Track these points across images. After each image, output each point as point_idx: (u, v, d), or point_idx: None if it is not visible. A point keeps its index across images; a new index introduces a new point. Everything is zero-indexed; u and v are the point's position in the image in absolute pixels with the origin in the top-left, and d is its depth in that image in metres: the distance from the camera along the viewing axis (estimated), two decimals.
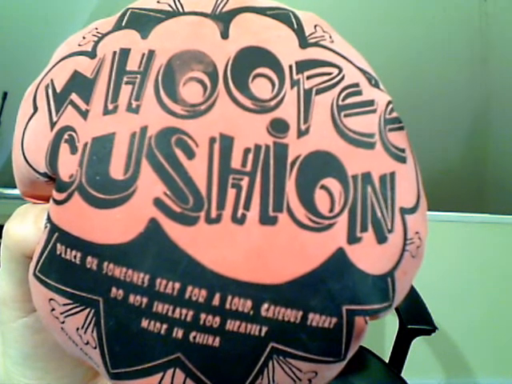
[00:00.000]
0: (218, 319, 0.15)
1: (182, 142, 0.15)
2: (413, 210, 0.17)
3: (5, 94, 2.80)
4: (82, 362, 0.18)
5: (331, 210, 0.15)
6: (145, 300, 0.15)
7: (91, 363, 0.17)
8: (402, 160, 0.18)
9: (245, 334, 0.15)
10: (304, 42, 0.17)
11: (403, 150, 0.18)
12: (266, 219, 0.15)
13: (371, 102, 0.18)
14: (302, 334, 0.16)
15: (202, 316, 0.15)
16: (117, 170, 0.15)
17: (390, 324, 1.21)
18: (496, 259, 2.12)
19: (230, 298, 0.15)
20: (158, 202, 0.14)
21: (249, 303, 0.15)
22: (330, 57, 0.18)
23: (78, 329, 0.16)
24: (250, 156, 0.15)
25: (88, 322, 0.15)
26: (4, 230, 0.21)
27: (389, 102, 0.19)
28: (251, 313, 0.15)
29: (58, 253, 0.16)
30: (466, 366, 2.10)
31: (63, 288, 0.16)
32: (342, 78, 0.18)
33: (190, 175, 0.15)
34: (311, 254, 0.15)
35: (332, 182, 0.15)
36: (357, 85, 0.18)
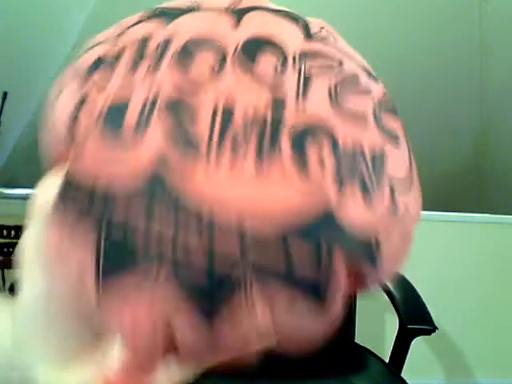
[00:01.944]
0: (195, 241, 0.17)
1: (188, 105, 0.17)
2: (402, 184, 0.19)
3: (5, 94, 2.80)
4: (84, 325, 0.21)
5: (321, 168, 0.17)
6: (140, 222, 0.17)
7: (82, 284, 0.19)
8: (395, 139, 0.20)
9: (218, 256, 0.17)
10: (309, 37, 0.19)
11: (395, 131, 0.20)
12: (259, 169, 0.16)
13: (368, 90, 0.20)
14: (283, 272, 0.17)
15: (181, 236, 0.17)
16: (128, 124, 0.17)
17: (390, 324, 1.21)
18: (496, 259, 2.12)
19: (211, 224, 0.16)
20: (160, 151, 0.17)
21: (234, 240, 0.16)
22: (331, 52, 0.19)
23: (81, 245, 0.18)
24: (249, 117, 0.16)
25: (90, 233, 0.18)
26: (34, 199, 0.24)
27: (385, 93, 0.21)
28: (236, 257, 0.16)
29: (72, 183, 0.19)
30: (465, 366, 2.10)
31: (72, 211, 0.19)
32: (342, 69, 0.19)
33: (192, 130, 0.17)
34: (299, 206, 0.16)
35: (324, 144, 0.17)
36: (355, 76, 0.20)
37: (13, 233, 1.75)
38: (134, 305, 0.18)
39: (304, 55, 0.18)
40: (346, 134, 0.17)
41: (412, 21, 3.16)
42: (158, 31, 0.19)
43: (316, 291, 0.18)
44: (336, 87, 0.18)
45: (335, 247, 0.17)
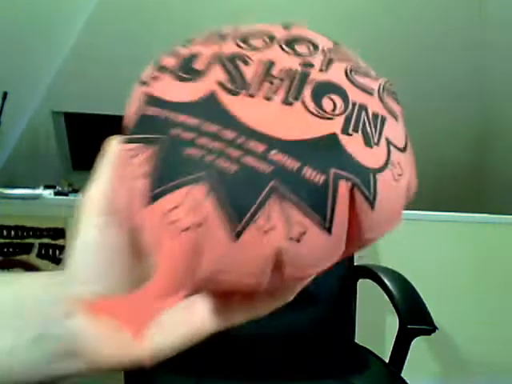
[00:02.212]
0: (238, 153, 0.21)
1: (242, 58, 0.24)
2: (399, 149, 0.24)
3: (5, 94, 2.80)
4: (131, 270, 0.25)
5: (333, 111, 0.23)
6: (192, 135, 0.22)
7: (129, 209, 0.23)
8: (394, 115, 0.25)
9: (254, 167, 0.21)
10: (337, 44, 0.27)
11: (396, 111, 0.25)
12: (286, 102, 0.23)
13: (376, 78, 0.26)
14: (297, 182, 0.21)
15: (228, 150, 0.21)
16: (198, 65, 0.24)
17: (390, 324, 1.21)
18: (496, 259, 2.12)
19: (250, 141, 0.21)
20: (218, 83, 0.23)
21: (262, 147, 0.21)
22: (352, 53, 0.27)
23: (139, 165, 0.22)
24: (284, 71, 0.23)
25: (148, 156, 0.22)
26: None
27: (391, 83, 0.27)
28: (263, 154, 0.21)
29: (144, 113, 0.24)
30: (465, 366, 2.10)
31: (136, 137, 0.23)
32: (358, 62, 0.26)
33: (243, 72, 0.23)
34: (313, 128, 0.22)
35: (336, 98, 0.23)
36: (367, 67, 0.27)
37: (13, 233, 1.75)
38: (172, 223, 0.21)
39: (330, 50, 0.26)
40: (355, 95, 0.24)
41: (412, 21, 3.16)
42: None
43: (323, 216, 0.21)
44: (351, 70, 0.25)
45: (342, 173, 0.21)
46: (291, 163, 0.21)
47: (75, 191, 4.01)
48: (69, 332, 0.25)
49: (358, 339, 1.42)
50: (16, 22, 2.72)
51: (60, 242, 1.84)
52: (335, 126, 0.22)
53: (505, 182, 3.69)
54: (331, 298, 1.42)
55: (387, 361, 1.22)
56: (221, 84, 0.23)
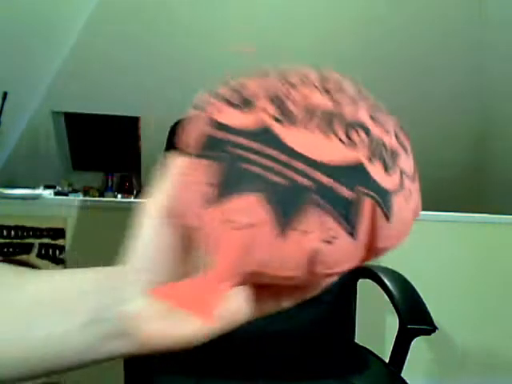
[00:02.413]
0: (286, 170, 0.26)
1: (286, 95, 0.29)
2: (409, 177, 0.29)
3: (5, 94, 2.80)
4: (184, 262, 0.30)
5: (360, 143, 0.27)
6: (250, 154, 0.27)
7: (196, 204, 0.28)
8: (406, 149, 0.30)
9: (299, 182, 0.26)
10: (360, 90, 0.32)
11: (406, 144, 0.30)
12: (324, 133, 0.28)
13: (390, 117, 0.31)
14: (332, 197, 0.26)
15: (279, 167, 0.26)
16: (252, 98, 0.29)
17: (390, 324, 1.21)
18: (496, 259, 2.12)
19: (297, 162, 0.27)
20: (270, 114, 0.28)
21: (306, 167, 0.26)
22: (369, 95, 0.32)
23: (207, 181, 0.27)
24: (320, 107, 0.28)
25: (213, 169, 0.27)
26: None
27: (399, 122, 0.31)
28: (306, 173, 0.26)
29: (209, 135, 0.28)
30: (465, 366, 2.10)
31: (203, 153, 0.28)
32: (375, 103, 0.31)
33: (288, 106, 0.28)
34: (345, 155, 0.27)
35: (362, 133, 0.28)
36: (382, 108, 0.31)
37: (13, 233, 1.75)
38: (231, 223, 0.26)
39: (355, 91, 0.30)
40: (376, 131, 0.28)
41: (412, 21, 3.17)
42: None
43: (351, 225, 0.26)
44: (372, 110, 0.29)
45: (367, 193, 0.27)
46: (328, 181, 0.26)
47: (75, 191, 4.02)
48: (124, 315, 0.29)
49: (358, 339, 1.42)
50: (16, 22, 2.73)
51: (60, 241, 1.84)
52: (362, 154, 0.27)
53: (505, 182, 3.69)
54: (331, 297, 1.42)
55: (387, 361, 1.22)
56: (272, 116, 0.28)
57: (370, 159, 0.27)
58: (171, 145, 1.49)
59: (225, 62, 3.27)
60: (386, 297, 1.25)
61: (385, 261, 1.90)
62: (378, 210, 0.27)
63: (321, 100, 0.28)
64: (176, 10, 3.00)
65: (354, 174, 0.27)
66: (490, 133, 3.74)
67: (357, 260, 0.28)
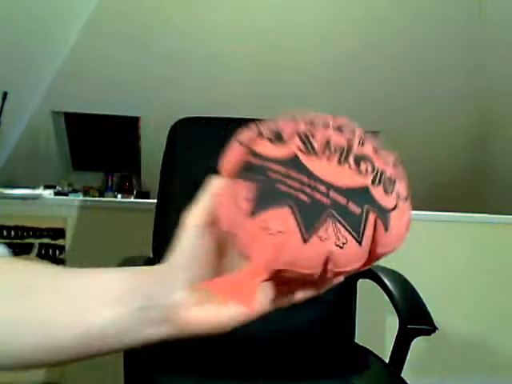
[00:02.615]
0: (310, 190, 0.34)
1: (311, 133, 0.36)
2: (403, 199, 0.37)
3: (5, 94, 2.80)
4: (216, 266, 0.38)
5: (366, 171, 0.35)
6: (282, 178, 0.34)
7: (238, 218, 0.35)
8: (401, 177, 0.38)
9: (319, 200, 0.34)
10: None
11: (401, 173, 0.38)
12: (339, 163, 0.35)
13: (387, 150, 0.39)
14: (344, 211, 0.34)
15: (304, 188, 0.34)
16: (285, 135, 0.36)
17: (391, 324, 1.21)
18: (496, 259, 2.12)
19: (318, 184, 0.34)
20: (298, 148, 0.35)
21: (325, 188, 0.34)
22: (372, 136, 0.39)
23: (246, 197, 0.34)
24: (337, 144, 0.36)
25: (252, 187, 0.34)
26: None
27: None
28: (325, 193, 0.34)
29: (249, 161, 0.35)
30: (465, 366, 2.10)
31: (244, 176, 0.35)
32: (377, 142, 0.38)
33: (312, 142, 0.36)
34: (355, 180, 0.35)
35: (368, 164, 0.36)
36: (381, 146, 0.39)
37: (13, 233, 1.75)
38: (265, 230, 0.34)
39: (362, 133, 0.38)
40: (379, 163, 0.36)
41: (413, 22, 3.17)
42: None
43: (358, 233, 0.34)
44: (376, 147, 0.37)
45: (371, 210, 0.34)
46: (342, 199, 0.34)
47: (75, 191, 4.02)
48: (167, 304, 0.37)
49: (358, 339, 1.42)
50: (16, 22, 2.73)
51: (60, 241, 1.84)
52: (368, 180, 0.35)
53: (504, 182, 3.69)
54: (331, 297, 1.42)
55: (387, 361, 1.22)
56: (300, 149, 0.35)
57: (373, 184, 0.35)
58: (171, 145, 1.49)
59: (224, 62, 3.28)
60: (386, 297, 1.25)
61: (385, 261, 1.90)
62: (379, 223, 0.35)
63: (336, 138, 0.36)
64: (175, 12, 3.00)
65: (362, 195, 0.35)
66: (490, 133, 3.74)
67: (362, 262, 0.36)
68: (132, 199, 3.83)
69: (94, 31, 2.99)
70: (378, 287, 1.30)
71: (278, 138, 0.36)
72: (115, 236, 1.87)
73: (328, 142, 0.36)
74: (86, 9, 2.89)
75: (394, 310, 1.20)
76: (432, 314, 1.15)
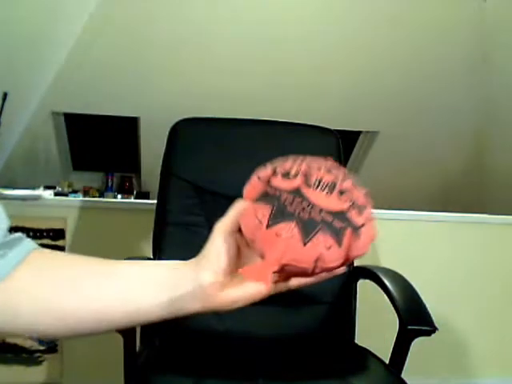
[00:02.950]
0: (308, 211, 0.49)
1: (310, 173, 0.51)
2: (369, 219, 0.49)
3: (5, 95, 2.80)
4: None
5: (345, 201, 0.49)
6: (290, 201, 0.49)
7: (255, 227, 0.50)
8: (369, 206, 0.50)
9: (314, 217, 0.48)
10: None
11: (369, 203, 0.50)
12: (327, 194, 0.50)
13: (361, 186, 0.52)
14: (331, 226, 0.48)
15: (304, 209, 0.48)
16: (292, 173, 0.51)
17: (391, 325, 1.21)
18: (496, 259, 2.12)
19: (314, 207, 0.48)
20: (302, 181, 0.50)
21: (318, 210, 0.48)
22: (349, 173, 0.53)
23: (264, 214, 0.49)
24: (326, 182, 0.50)
25: (268, 208, 0.49)
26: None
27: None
28: (319, 213, 0.48)
29: (266, 191, 0.51)
30: (466, 367, 2.10)
31: (262, 200, 0.50)
32: (356, 180, 0.52)
33: (311, 179, 0.50)
34: (338, 205, 0.49)
35: (347, 197, 0.50)
36: (359, 184, 0.52)
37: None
38: (278, 236, 0.48)
39: (343, 174, 0.51)
40: (354, 193, 0.50)
41: (413, 27, 3.17)
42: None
43: (339, 240, 0.48)
44: (354, 183, 0.51)
45: (348, 226, 0.48)
46: (329, 218, 0.48)
47: (75, 192, 4.02)
48: (200, 284, 0.50)
49: (358, 340, 1.42)
50: (16, 23, 2.73)
51: (60, 242, 1.84)
52: (346, 206, 0.49)
53: (504, 183, 3.69)
54: (331, 298, 1.42)
55: (387, 361, 1.22)
56: (302, 184, 0.49)
57: (350, 209, 0.49)
58: (171, 145, 1.49)
59: (224, 62, 3.28)
60: (386, 297, 1.25)
61: (385, 261, 1.90)
62: (353, 235, 0.48)
63: (327, 177, 0.50)
64: (174, 15, 3.00)
65: (342, 216, 0.49)
66: (490, 133, 3.74)
67: (341, 261, 0.49)
68: (132, 199, 3.83)
69: (93, 32, 2.99)
70: (378, 288, 1.30)
71: (286, 175, 0.51)
72: (115, 236, 1.87)
73: (321, 180, 0.50)
74: (86, 9, 2.89)
75: (394, 311, 1.20)
76: (432, 315, 1.15)
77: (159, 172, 1.48)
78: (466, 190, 4.05)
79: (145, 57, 3.19)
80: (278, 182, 0.51)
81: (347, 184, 0.51)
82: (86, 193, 4.09)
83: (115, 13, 2.93)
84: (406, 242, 2.03)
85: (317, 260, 0.48)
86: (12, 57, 2.87)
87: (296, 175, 0.50)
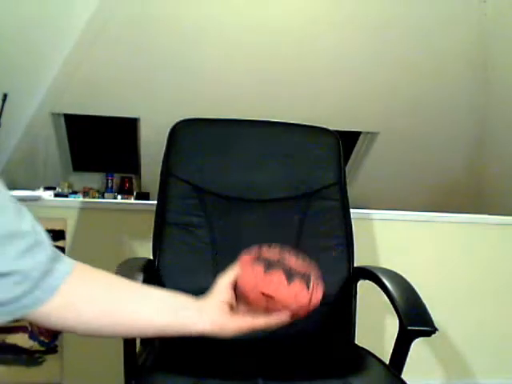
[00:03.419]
0: (289, 270, 0.71)
1: (286, 257, 0.76)
2: (318, 289, 0.73)
3: (5, 96, 2.81)
4: None
5: (304, 275, 0.73)
6: (277, 265, 0.72)
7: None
8: (320, 280, 0.75)
9: (293, 271, 0.71)
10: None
11: (320, 278, 0.75)
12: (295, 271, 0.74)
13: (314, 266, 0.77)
14: (303, 277, 0.71)
15: (286, 269, 0.71)
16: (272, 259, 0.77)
17: (391, 325, 1.21)
18: (496, 259, 2.12)
19: (292, 268, 0.72)
20: (279, 260, 0.75)
21: (294, 270, 0.72)
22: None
23: (261, 267, 0.72)
24: (299, 271, 0.73)
25: (263, 264, 0.72)
26: None
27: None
28: (295, 270, 0.71)
29: (257, 257, 0.76)
30: (466, 368, 2.10)
31: (262, 261, 0.73)
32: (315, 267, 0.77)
33: (286, 261, 0.75)
34: (304, 268, 0.74)
35: (307, 274, 0.74)
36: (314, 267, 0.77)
37: None
38: (271, 280, 0.69)
39: (307, 268, 0.74)
40: (312, 273, 0.74)
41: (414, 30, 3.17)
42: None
43: (308, 286, 0.70)
44: (312, 266, 0.75)
45: (310, 280, 0.72)
46: (300, 273, 0.70)
47: (75, 192, 4.02)
48: (204, 315, 0.69)
49: (358, 340, 1.42)
50: (16, 23, 2.73)
51: (60, 243, 1.84)
52: (309, 270, 0.72)
53: (504, 183, 3.69)
54: (331, 299, 1.42)
55: (387, 362, 1.22)
56: (280, 261, 0.72)
57: (310, 272, 0.71)
58: (171, 146, 1.49)
59: (224, 63, 3.28)
60: (386, 298, 1.25)
61: (385, 262, 1.90)
62: (315, 286, 0.70)
63: (294, 262, 0.72)
64: (174, 17, 3.00)
65: (307, 275, 0.71)
66: (490, 133, 3.74)
67: (307, 301, 0.69)
68: (132, 200, 3.83)
69: (93, 33, 2.99)
70: (378, 288, 1.30)
71: (268, 262, 0.71)
72: (115, 237, 1.87)
73: (290, 263, 0.72)
74: (86, 11, 2.89)
75: (394, 311, 1.20)
76: (432, 315, 1.15)
77: (159, 172, 1.48)
78: (466, 190, 4.05)
79: (145, 57, 3.20)
80: (268, 255, 0.73)
81: (311, 268, 0.74)
82: (85, 194, 4.09)
83: (115, 14, 2.93)
84: (405, 242, 2.03)
85: (295, 296, 0.68)
86: (12, 58, 2.87)
87: (276, 258, 0.73)
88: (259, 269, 0.69)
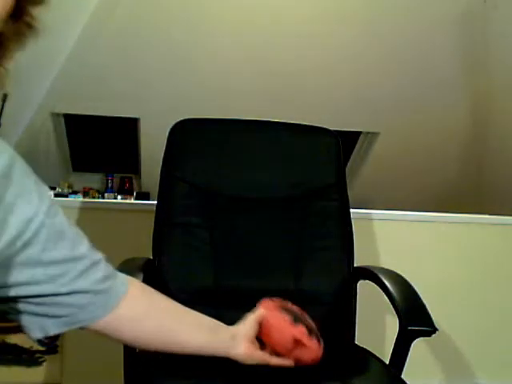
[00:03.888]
0: (303, 320, 0.92)
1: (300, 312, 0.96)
2: (318, 340, 0.92)
3: (5, 96, 2.80)
4: None
5: (312, 328, 0.93)
6: (298, 316, 0.92)
7: None
8: (319, 335, 0.95)
9: (305, 322, 0.90)
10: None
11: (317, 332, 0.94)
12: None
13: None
14: (307, 326, 0.90)
15: (301, 319, 0.91)
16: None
17: (391, 325, 1.21)
18: (496, 260, 2.12)
19: (304, 319, 0.92)
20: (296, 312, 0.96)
21: (305, 320, 0.91)
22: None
23: (285, 315, 0.92)
24: (310, 326, 0.92)
25: (289, 315, 0.92)
26: None
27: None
28: (307, 320, 0.91)
29: (281, 306, 0.95)
30: (466, 368, 2.10)
31: (285, 310, 0.94)
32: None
33: (302, 316, 0.94)
34: (311, 324, 0.93)
35: (312, 328, 0.93)
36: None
37: None
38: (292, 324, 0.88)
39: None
40: (313, 326, 0.92)
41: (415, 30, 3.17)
42: None
43: (310, 334, 0.89)
44: (311, 322, 0.92)
45: (314, 332, 0.91)
46: (309, 326, 0.89)
47: (75, 192, 4.02)
48: (233, 339, 0.82)
49: (358, 340, 1.42)
50: None
51: None
52: (315, 326, 0.90)
53: (504, 183, 3.69)
54: (331, 299, 1.42)
55: (387, 362, 1.22)
56: (302, 316, 0.91)
57: (314, 329, 0.88)
58: (171, 146, 1.49)
59: (224, 64, 3.28)
60: (386, 298, 1.25)
61: (385, 262, 1.90)
62: (317, 338, 0.89)
63: (310, 320, 0.88)
64: (174, 18, 3.00)
65: (313, 329, 0.88)
66: (490, 133, 3.74)
67: (316, 350, 0.89)
68: (132, 200, 3.83)
69: (93, 33, 2.99)
70: (378, 288, 1.30)
71: (293, 315, 0.87)
72: (115, 237, 1.87)
73: (303, 318, 0.87)
74: (86, 10, 2.89)
75: (394, 311, 1.20)
76: (432, 315, 1.15)
77: (159, 172, 1.48)
78: (466, 190, 4.05)
79: (145, 58, 3.19)
80: (291, 308, 0.88)
81: (312, 323, 0.89)
82: (85, 194, 4.09)
83: (115, 14, 2.93)
84: (405, 242, 2.03)
85: (297, 342, 0.84)
86: (12, 58, 2.87)
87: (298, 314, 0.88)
88: (288, 317, 0.84)
